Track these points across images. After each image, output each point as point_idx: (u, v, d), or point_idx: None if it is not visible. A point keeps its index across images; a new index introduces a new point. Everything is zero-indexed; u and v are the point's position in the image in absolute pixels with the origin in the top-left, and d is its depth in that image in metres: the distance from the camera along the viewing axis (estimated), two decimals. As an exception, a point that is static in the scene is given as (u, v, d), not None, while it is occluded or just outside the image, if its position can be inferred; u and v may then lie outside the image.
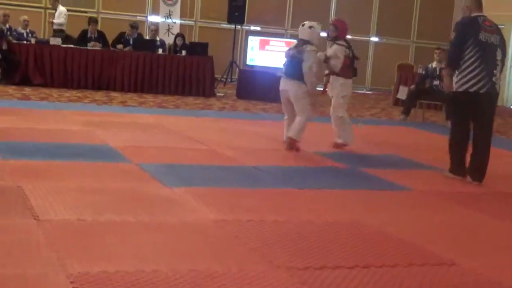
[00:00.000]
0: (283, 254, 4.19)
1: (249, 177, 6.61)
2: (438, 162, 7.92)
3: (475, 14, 7.03)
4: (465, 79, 6.89)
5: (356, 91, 21.63)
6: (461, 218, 5.62)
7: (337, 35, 8.80)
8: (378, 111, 15.47)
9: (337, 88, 8.77)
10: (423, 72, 13.78)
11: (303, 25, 8.33)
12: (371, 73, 22.70)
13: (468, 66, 6.87)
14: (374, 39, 22.74)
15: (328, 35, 8.95)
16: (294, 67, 8.17)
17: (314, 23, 8.31)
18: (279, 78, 15.30)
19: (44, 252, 3.91)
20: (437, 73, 13.24)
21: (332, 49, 8.72)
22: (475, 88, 6.86)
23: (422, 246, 4.57)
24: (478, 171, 6.97)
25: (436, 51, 13.74)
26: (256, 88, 15.28)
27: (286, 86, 8.29)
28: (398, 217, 5.43)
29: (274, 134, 9.55)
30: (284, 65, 8.36)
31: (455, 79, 6.98)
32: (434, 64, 13.54)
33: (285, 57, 8.39)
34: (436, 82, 13.28)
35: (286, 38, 20.15)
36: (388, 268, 4.09)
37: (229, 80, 18.69)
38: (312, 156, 8.19)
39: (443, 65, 13.44)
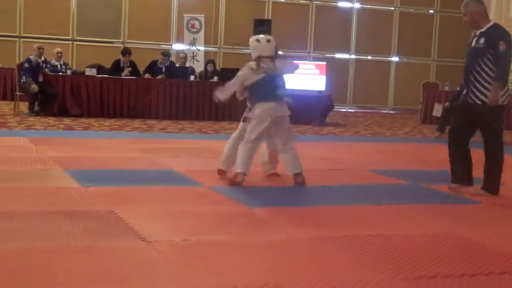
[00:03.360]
0: (392, 265, 4.34)
1: (321, 195, 6.79)
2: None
3: (491, 21, 6.94)
4: (507, 93, 6.82)
5: (380, 111, 21.89)
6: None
7: None
8: (410, 129, 15.65)
9: None
10: (458, 89, 13.94)
11: (258, 40, 7.17)
12: (394, 93, 22.91)
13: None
14: (395, 59, 22.98)
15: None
16: (278, 87, 7.17)
17: (269, 36, 7.40)
18: (312, 100, 15.59)
19: (168, 270, 4.08)
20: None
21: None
22: (507, 100, 6.86)
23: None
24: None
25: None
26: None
27: (278, 109, 7.11)
28: (485, 228, 5.58)
29: (324, 154, 9.74)
30: (260, 86, 7.08)
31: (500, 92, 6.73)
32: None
33: (260, 78, 7.08)
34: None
35: (309, 60, 20.38)
36: (495, 275, 4.24)
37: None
38: (370, 174, 8.34)
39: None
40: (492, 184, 6.88)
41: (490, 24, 6.84)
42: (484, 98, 6.70)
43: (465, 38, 23.38)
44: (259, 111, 7.04)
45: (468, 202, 6.71)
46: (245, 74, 7.18)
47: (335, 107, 17.38)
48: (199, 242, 4.75)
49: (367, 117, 19.26)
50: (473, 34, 6.99)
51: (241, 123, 7.51)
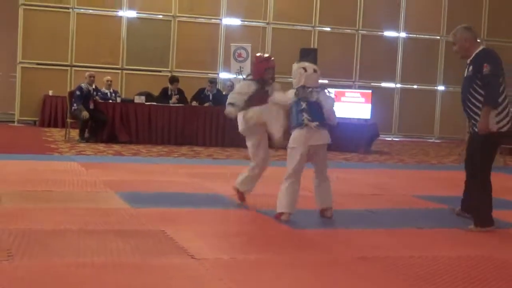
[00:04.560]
0: (436, 286, 4.42)
1: (365, 218, 6.88)
2: None
3: (482, 46, 6.72)
4: (506, 119, 6.36)
5: (426, 140, 21.84)
6: None
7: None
8: (456, 158, 15.59)
9: None
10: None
11: (305, 69, 6.74)
12: (440, 122, 22.85)
13: (505, 106, 6.37)
14: (441, 87, 22.96)
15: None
16: (318, 113, 6.67)
17: (315, 66, 6.95)
18: (358, 128, 15.66)
19: (216, 286, 4.23)
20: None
21: None
22: (508, 126, 6.40)
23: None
24: None
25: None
26: (334, 139, 15.46)
27: (315, 137, 6.68)
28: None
29: (369, 180, 9.82)
30: (302, 112, 6.63)
31: (495, 118, 6.31)
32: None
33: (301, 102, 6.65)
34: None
35: (355, 89, 20.48)
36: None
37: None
38: (414, 200, 8.39)
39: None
40: (480, 218, 6.47)
41: (478, 49, 6.59)
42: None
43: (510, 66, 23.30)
44: (295, 138, 6.69)
45: (510, 227, 6.73)
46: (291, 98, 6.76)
47: (381, 135, 17.42)
48: (246, 260, 4.89)
49: (412, 146, 19.24)
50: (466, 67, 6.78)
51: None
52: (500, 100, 6.34)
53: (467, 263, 5.09)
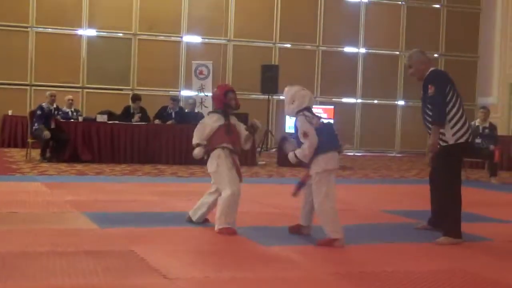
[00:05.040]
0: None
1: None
2: (494, 214, 8.47)
3: (433, 67, 6.99)
4: (463, 129, 6.61)
5: (387, 154, 22.03)
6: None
7: None
8: (418, 172, 15.75)
9: None
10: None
11: (303, 89, 6.52)
12: (400, 136, 23.09)
13: (459, 118, 6.61)
14: (401, 102, 23.23)
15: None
16: (336, 135, 6.54)
17: None
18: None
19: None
20: (480, 131, 13.62)
21: None
22: (465, 138, 6.64)
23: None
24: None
25: (481, 109, 14.15)
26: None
27: (336, 161, 6.46)
28: (497, 265, 5.68)
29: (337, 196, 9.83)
30: (321, 135, 6.27)
31: (450, 131, 6.56)
32: (477, 122, 13.89)
33: (318, 125, 6.32)
34: (478, 140, 13.60)
35: (316, 105, 20.58)
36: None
37: (264, 149, 19.03)
38: (382, 214, 8.44)
39: (486, 124, 13.85)
40: (452, 230, 6.55)
41: (428, 71, 6.84)
42: (440, 142, 6.62)
43: (470, 82, 23.72)
44: (325, 163, 6.31)
45: (480, 240, 6.80)
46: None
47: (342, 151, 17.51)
48: (219, 279, 4.86)
49: (375, 160, 19.38)
50: None
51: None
52: (451, 114, 6.59)
53: (440, 277, 5.12)
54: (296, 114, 6.35)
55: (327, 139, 6.28)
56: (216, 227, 6.63)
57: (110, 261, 5.19)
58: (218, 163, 6.89)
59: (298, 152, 6.30)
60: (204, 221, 7.10)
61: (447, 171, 6.65)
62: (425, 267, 5.46)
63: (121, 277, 4.76)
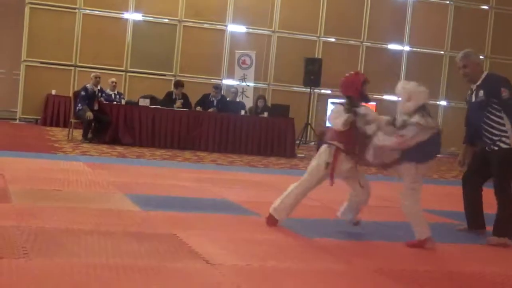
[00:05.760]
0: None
1: (379, 231, 6.86)
2: None
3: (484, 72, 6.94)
4: None
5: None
6: None
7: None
8: (458, 173, 15.56)
9: None
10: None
11: (419, 85, 6.32)
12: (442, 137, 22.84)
13: None
14: (443, 103, 23.00)
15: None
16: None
17: None
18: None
19: (235, 292, 4.20)
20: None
21: None
22: None
23: None
24: None
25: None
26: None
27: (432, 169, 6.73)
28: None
29: (374, 192, 9.78)
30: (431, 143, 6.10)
31: None
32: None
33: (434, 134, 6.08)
34: None
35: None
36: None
37: (303, 142, 18.98)
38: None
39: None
40: (501, 229, 6.62)
41: (484, 75, 6.81)
42: (501, 145, 6.57)
43: None
44: (426, 170, 6.39)
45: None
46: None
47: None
48: (262, 268, 4.85)
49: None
50: (469, 91, 6.91)
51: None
52: None
53: (486, 279, 5.08)
54: (414, 113, 6.02)
55: (434, 149, 6.17)
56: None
57: (153, 244, 5.21)
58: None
59: (402, 132, 5.95)
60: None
61: (506, 173, 6.67)
62: (465, 268, 5.42)
63: (164, 260, 4.78)
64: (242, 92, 19.84)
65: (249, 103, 18.66)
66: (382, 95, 22.30)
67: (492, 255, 6.11)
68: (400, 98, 6.22)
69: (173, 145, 14.98)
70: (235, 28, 21.17)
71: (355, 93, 6.42)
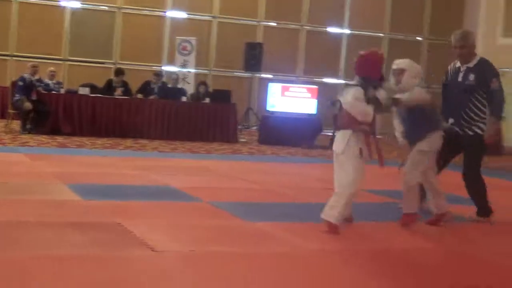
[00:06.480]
0: (393, 277, 4.51)
1: (316, 212, 6.86)
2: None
3: (477, 55, 6.97)
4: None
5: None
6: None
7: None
8: (399, 153, 15.83)
9: None
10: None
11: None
12: (382, 118, 23.15)
13: None
14: (383, 84, 23.29)
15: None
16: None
17: None
18: (303, 123, 15.72)
19: (179, 278, 4.23)
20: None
21: None
22: None
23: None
24: None
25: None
26: (279, 133, 15.65)
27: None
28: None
29: (318, 175, 9.93)
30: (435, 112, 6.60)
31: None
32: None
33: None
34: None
35: (299, 84, 20.58)
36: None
37: (245, 127, 19.04)
38: (366, 194, 8.44)
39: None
40: (484, 208, 6.92)
41: (477, 59, 6.85)
42: (477, 130, 6.75)
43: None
44: (434, 141, 6.44)
45: (461, 220, 6.91)
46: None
47: (324, 130, 17.53)
48: (206, 253, 4.88)
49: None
50: (454, 67, 6.98)
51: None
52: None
53: (421, 254, 5.22)
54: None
55: (438, 117, 6.51)
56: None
57: (97, 233, 5.21)
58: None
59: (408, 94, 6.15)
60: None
61: (480, 158, 6.86)
62: (406, 244, 5.56)
63: (109, 249, 4.78)
64: (183, 79, 19.77)
65: (190, 89, 18.63)
66: (323, 78, 22.48)
67: (433, 232, 6.26)
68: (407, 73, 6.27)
69: (115, 133, 14.84)
70: (175, 14, 21.05)
71: (377, 74, 5.97)
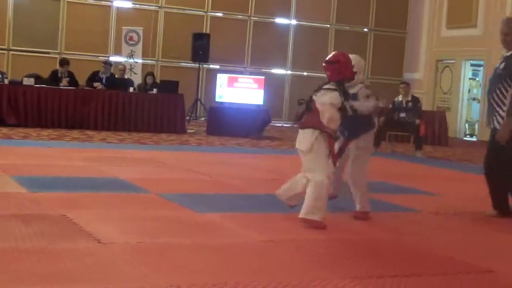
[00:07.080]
0: (341, 266, 4.55)
1: (268, 203, 6.92)
2: (423, 187, 8.71)
3: None
4: None
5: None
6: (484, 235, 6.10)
7: None
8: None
9: None
10: (390, 106, 14.35)
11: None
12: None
13: None
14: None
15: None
16: None
17: None
18: (250, 114, 15.75)
19: (126, 270, 4.19)
20: (403, 105, 14.03)
21: None
22: None
23: (458, 258, 5.02)
24: None
25: (401, 85, 14.53)
26: (227, 124, 15.63)
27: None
28: (430, 235, 5.87)
29: (267, 166, 9.96)
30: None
31: None
32: (400, 98, 14.28)
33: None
34: (403, 115, 14.00)
35: (246, 75, 20.57)
36: (431, 276, 4.51)
37: (193, 117, 18.95)
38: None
39: (409, 98, 14.24)
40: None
41: None
42: (496, 124, 6.63)
43: (396, 56, 24.21)
44: (370, 141, 6.55)
45: (408, 210, 7.00)
46: None
47: (272, 121, 17.58)
48: (154, 244, 4.85)
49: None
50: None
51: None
52: None
53: (366, 245, 5.27)
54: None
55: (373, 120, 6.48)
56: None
57: (42, 225, 5.13)
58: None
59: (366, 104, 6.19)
60: None
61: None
62: (355, 235, 5.62)
63: (54, 242, 4.71)
64: (130, 69, 19.57)
65: (137, 80, 18.44)
66: (271, 69, 22.51)
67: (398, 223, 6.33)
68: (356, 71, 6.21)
69: (61, 124, 14.63)
70: (121, 4, 20.80)
71: (350, 74, 6.07)
